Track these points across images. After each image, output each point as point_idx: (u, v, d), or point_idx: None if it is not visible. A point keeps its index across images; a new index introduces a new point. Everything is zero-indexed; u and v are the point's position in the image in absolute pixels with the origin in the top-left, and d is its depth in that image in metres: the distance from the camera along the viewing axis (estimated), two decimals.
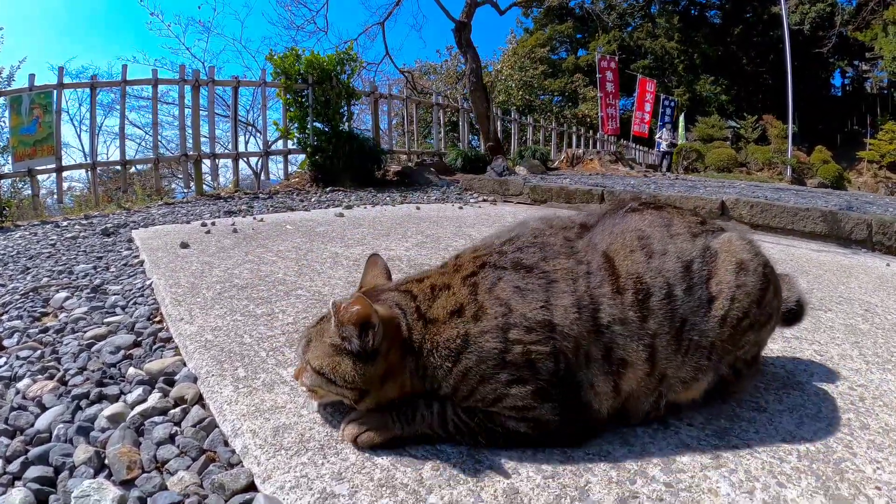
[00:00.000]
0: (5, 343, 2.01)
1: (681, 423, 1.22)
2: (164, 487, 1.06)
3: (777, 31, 21.02)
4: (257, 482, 1.02)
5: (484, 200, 6.63)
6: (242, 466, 1.08)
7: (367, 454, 1.07)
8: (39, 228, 5.02)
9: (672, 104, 22.07)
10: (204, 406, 1.33)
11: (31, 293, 2.70)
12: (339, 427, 1.13)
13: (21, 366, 1.73)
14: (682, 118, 22.53)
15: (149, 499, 1.02)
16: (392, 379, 1.09)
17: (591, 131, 19.46)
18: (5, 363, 1.78)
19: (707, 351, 1.15)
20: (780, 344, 1.74)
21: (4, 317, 2.32)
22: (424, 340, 1.08)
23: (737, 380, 1.27)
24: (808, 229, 4.44)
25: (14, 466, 1.16)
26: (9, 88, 6.96)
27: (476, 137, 14.14)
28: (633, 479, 1.03)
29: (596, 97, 20.09)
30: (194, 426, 1.24)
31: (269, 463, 1.03)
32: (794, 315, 1.48)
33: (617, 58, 19.08)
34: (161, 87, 7.65)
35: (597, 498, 0.98)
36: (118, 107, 7.39)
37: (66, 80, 6.94)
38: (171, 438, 1.22)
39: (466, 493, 0.97)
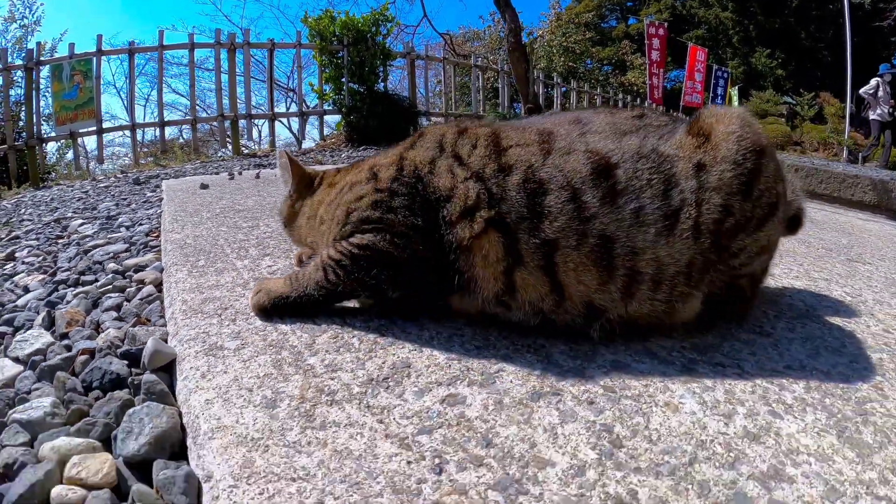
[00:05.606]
0: (17, 255, 2.15)
1: (653, 332, 1.05)
2: (90, 339, 1.19)
3: (836, 4, 19.59)
4: (169, 340, 1.09)
5: None
6: (163, 327, 1.18)
7: (276, 321, 1.07)
8: (77, 182, 5.28)
9: (725, 75, 21.07)
10: (160, 289, 1.43)
11: (52, 222, 2.86)
12: None
13: (23, 269, 1.87)
14: (735, 90, 21.57)
15: (74, 344, 1.18)
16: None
17: (637, 99, 18.87)
18: (10, 266, 1.92)
19: (685, 276, 0.96)
20: (803, 281, 1.54)
21: (24, 240, 2.48)
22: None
23: (735, 302, 1.10)
24: (856, 198, 4.01)
25: None
26: (50, 58, 7.21)
27: (518, 104, 13.90)
28: (564, 375, 0.89)
29: (643, 65, 19.46)
30: (141, 300, 1.36)
31: (182, 323, 1.09)
32: (792, 223, 1.28)
33: (666, 25, 18.37)
34: (199, 54, 7.85)
35: (504, 386, 0.86)
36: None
37: (105, 48, 7.16)
38: (117, 307, 1.35)
39: (351, 360, 0.94)
